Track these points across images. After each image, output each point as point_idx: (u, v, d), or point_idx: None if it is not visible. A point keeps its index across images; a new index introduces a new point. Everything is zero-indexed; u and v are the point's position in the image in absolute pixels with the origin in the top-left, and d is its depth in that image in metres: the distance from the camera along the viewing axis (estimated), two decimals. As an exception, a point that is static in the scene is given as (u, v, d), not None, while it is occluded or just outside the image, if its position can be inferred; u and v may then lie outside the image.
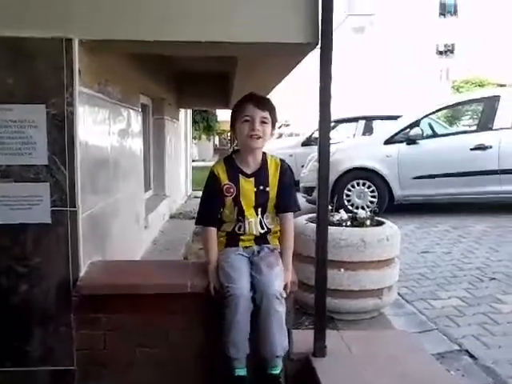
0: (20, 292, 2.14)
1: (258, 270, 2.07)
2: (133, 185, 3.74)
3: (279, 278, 2.07)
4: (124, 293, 2.16)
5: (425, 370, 2.18)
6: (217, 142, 26.60)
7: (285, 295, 2.07)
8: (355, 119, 11.00)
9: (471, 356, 2.78)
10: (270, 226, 2.26)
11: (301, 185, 7.97)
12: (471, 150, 7.19)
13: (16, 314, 2.14)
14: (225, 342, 2.07)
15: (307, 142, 11.13)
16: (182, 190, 8.50)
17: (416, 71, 28.62)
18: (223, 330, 2.07)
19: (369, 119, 10.75)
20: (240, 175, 2.20)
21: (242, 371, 2.10)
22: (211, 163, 2.29)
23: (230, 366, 2.09)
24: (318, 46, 2.14)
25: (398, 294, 3.61)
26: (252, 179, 2.20)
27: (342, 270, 3.10)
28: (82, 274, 2.19)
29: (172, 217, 6.51)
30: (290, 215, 2.25)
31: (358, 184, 7.39)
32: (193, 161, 11.91)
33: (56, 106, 2.12)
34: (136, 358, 2.20)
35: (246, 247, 2.23)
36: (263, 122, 2.14)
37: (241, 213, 2.20)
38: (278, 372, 2.13)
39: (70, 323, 2.16)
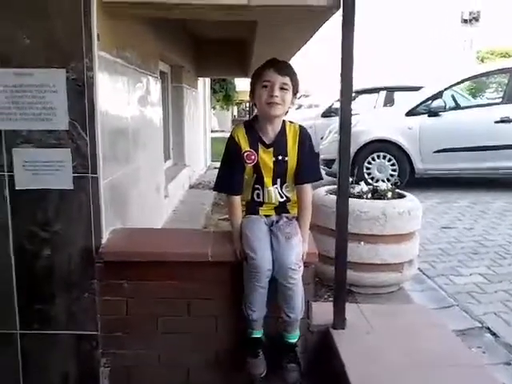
0: (44, 257, 2.15)
1: (276, 241, 2.07)
2: (153, 153, 3.72)
3: (296, 248, 2.06)
4: (146, 260, 2.16)
5: (444, 346, 2.15)
6: (235, 112, 26.40)
7: (301, 264, 2.06)
8: (376, 90, 10.76)
9: (492, 333, 2.75)
10: (288, 196, 2.23)
11: (320, 157, 7.89)
12: (495, 122, 7.01)
13: (41, 278, 2.17)
14: (244, 304, 2.11)
15: (327, 113, 10.96)
16: (201, 161, 8.49)
17: (439, 40, 27.82)
18: (243, 293, 2.10)
19: (390, 90, 10.51)
20: (259, 144, 2.14)
21: (258, 333, 2.14)
22: (230, 132, 2.24)
23: (247, 328, 2.14)
24: (340, 11, 2.06)
25: (419, 269, 3.58)
26: (271, 149, 2.14)
27: (362, 242, 3.07)
28: (104, 240, 2.19)
29: (192, 187, 6.52)
30: (307, 186, 2.21)
31: (378, 157, 7.29)
32: (212, 131, 11.85)
33: (75, 71, 2.08)
34: (158, 325, 2.21)
35: (266, 216, 2.21)
36: (283, 89, 2.06)
37: (260, 181, 2.17)
38: (294, 341, 2.15)
39: (93, 289, 2.17)
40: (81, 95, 2.10)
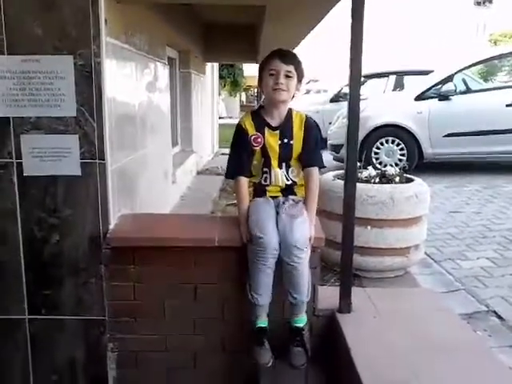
0: (52, 243, 2.18)
1: (282, 222, 2.11)
2: (160, 139, 3.73)
3: (301, 228, 2.08)
4: (153, 245, 2.19)
5: (450, 330, 2.16)
6: (243, 98, 26.25)
7: (308, 245, 2.09)
8: (385, 74, 10.64)
9: (499, 317, 2.76)
10: (295, 179, 2.28)
11: (329, 142, 7.86)
12: (507, 106, 6.92)
13: (49, 264, 2.20)
14: (249, 289, 2.13)
15: (335, 98, 10.90)
16: (208, 147, 8.49)
17: (451, 23, 27.35)
18: (249, 277, 2.12)
19: (400, 74, 10.38)
20: (266, 127, 2.23)
21: (263, 323, 2.16)
22: (238, 120, 2.30)
23: (252, 316, 2.15)
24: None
25: (426, 253, 3.58)
26: (277, 132, 2.23)
27: (369, 227, 3.07)
28: (111, 226, 2.21)
29: (199, 173, 6.54)
30: (314, 169, 2.26)
31: (387, 141, 7.24)
32: (219, 118, 11.81)
33: (83, 57, 2.08)
34: (165, 310, 2.24)
35: (273, 197, 2.26)
36: (288, 76, 2.17)
37: (267, 164, 2.24)
38: (301, 325, 2.17)
39: (100, 274, 2.20)
40: (88, 81, 2.11)
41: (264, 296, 2.12)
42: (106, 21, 2.13)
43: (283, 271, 2.09)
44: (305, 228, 2.10)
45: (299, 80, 2.22)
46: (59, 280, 2.22)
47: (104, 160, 2.16)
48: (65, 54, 2.08)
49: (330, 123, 8.47)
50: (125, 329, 2.25)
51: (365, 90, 10.13)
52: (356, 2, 2.02)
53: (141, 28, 2.99)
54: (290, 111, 2.26)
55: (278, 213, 2.16)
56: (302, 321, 2.17)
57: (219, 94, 14.63)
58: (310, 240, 2.11)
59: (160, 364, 2.29)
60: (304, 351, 2.13)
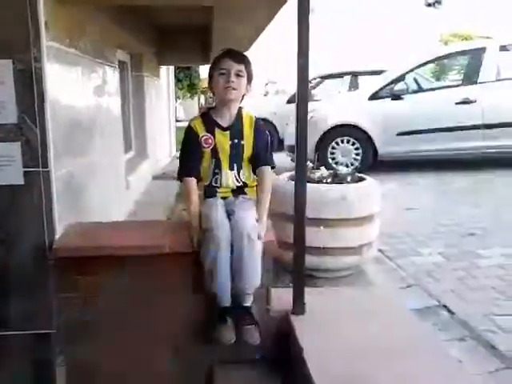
0: (-5, 255, 2.09)
1: (233, 214, 2.12)
2: (111, 145, 3.66)
3: (251, 219, 2.11)
4: (101, 254, 2.12)
5: (401, 326, 2.20)
6: (202, 100, 26.07)
7: (258, 238, 2.10)
8: (341, 75, 10.84)
9: (449, 311, 2.84)
10: (246, 181, 2.29)
11: (285, 143, 7.91)
12: (456, 104, 7.15)
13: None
14: (207, 284, 2.10)
15: (292, 100, 10.96)
16: (165, 150, 8.39)
17: (403, 23, 28.05)
18: (207, 273, 2.09)
19: (355, 74, 10.60)
20: (216, 128, 2.24)
21: (226, 303, 2.14)
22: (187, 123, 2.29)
23: (215, 301, 2.13)
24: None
25: (380, 250, 3.65)
26: (227, 132, 2.24)
27: (322, 227, 3.10)
28: (57, 236, 2.14)
29: (155, 178, 6.44)
30: (266, 168, 2.29)
31: (342, 141, 7.35)
32: (177, 121, 11.70)
33: (23, 62, 2.01)
34: (119, 321, 2.18)
35: (224, 198, 2.26)
36: (238, 75, 2.19)
37: (218, 165, 2.25)
38: (249, 304, 2.16)
39: (48, 287, 2.13)
40: (29, 87, 2.04)
41: (223, 285, 2.09)
42: (46, 23, 2.07)
43: (234, 259, 2.08)
44: (254, 220, 2.11)
45: (249, 80, 2.25)
46: (4, 294, 2.12)
47: (48, 167, 2.09)
48: (3, 58, 2.00)
49: (287, 124, 8.52)
50: (75, 341, 2.18)
51: (320, 91, 10.29)
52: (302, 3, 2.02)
53: (88, 31, 2.92)
54: (239, 111, 2.29)
55: (227, 211, 2.16)
56: (248, 300, 2.16)
57: (178, 97, 14.50)
58: (259, 237, 2.10)
59: (113, 376, 2.22)
60: (256, 327, 2.13)
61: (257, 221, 2.14)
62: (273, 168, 2.34)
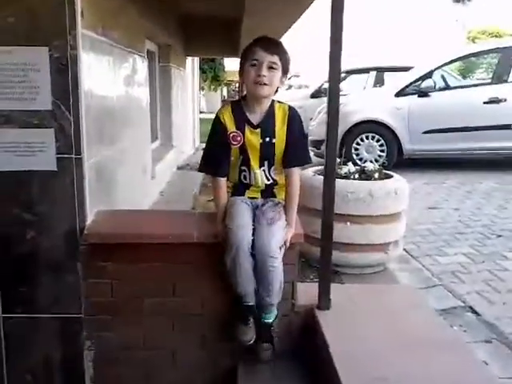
0: (27, 239, 2.12)
1: (259, 225, 2.04)
2: (139, 134, 3.68)
3: (277, 235, 2.03)
4: (130, 242, 2.15)
5: (427, 326, 2.18)
6: (225, 93, 26.12)
7: (282, 251, 2.06)
8: (366, 70, 10.71)
9: (474, 312, 2.80)
10: (276, 178, 2.19)
11: (309, 138, 7.87)
12: (484, 103, 7.02)
13: (24, 261, 2.14)
14: (232, 282, 2.08)
15: (316, 94, 10.91)
16: (189, 142, 8.43)
17: (430, 20, 27.59)
18: (229, 272, 2.06)
19: (380, 70, 10.47)
20: (246, 125, 2.10)
21: (250, 302, 2.11)
22: (216, 112, 2.21)
23: (239, 300, 2.11)
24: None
25: (404, 249, 3.61)
26: (258, 130, 2.09)
27: (349, 223, 3.08)
28: (88, 222, 2.17)
29: (179, 168, 6.48)
30: (296, 170, 2.16)
31: (367, 137, 7.29)
32: (200, 112, 11.73)
33: (59, 49, 2.03)
34: (144, 308, 2.21)
35: (252, 198, 2.18)
36: (271, 68, 1.99)
37: (246, 163, 2.13)
38: (270, 321, 2.14)
39: (77, 271, 2.16)
40: (64, 74, 2.05)
41: (246, 287, 2.06)
42: (82, 12, 2.08)
43: (256, 271, 2.04)
44: (280, 235, 2.04)
45: (284, 72, 2.05)
46: (35, 278, 2.16)
47: (80, 155, 2.11)
48: (39, 45, 2.02)
49: (311, 119, 8.48)
50: (102, 327, 2.21)
51: (345, 86, 10.19)
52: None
53: (119, 20, 2.93)
54: (272, 104, 2.11)
55: (255, 214, 2.10)
56: (270, 317, 2.14)
57: (202, 88, 14.54)
58: (285, 244, 2.07)
59: (138, 362, 2.26)
60: (271, 346, 2.13)
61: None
62: (308, 163, 2.23)
